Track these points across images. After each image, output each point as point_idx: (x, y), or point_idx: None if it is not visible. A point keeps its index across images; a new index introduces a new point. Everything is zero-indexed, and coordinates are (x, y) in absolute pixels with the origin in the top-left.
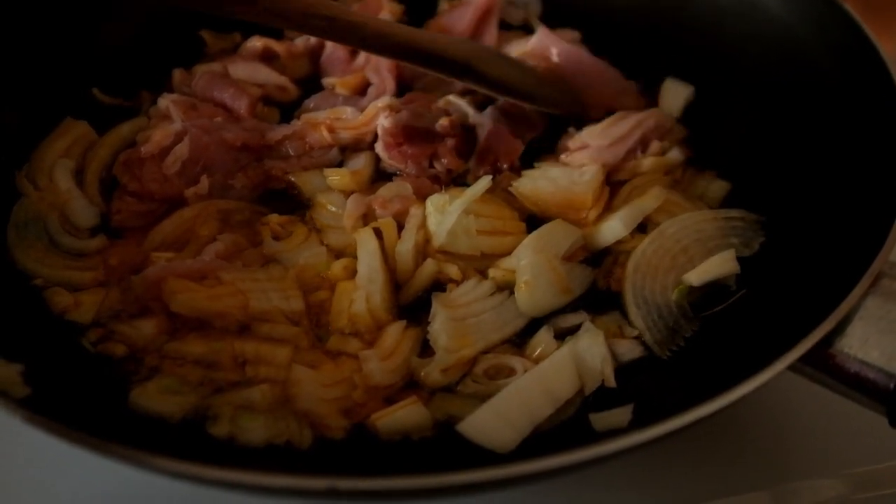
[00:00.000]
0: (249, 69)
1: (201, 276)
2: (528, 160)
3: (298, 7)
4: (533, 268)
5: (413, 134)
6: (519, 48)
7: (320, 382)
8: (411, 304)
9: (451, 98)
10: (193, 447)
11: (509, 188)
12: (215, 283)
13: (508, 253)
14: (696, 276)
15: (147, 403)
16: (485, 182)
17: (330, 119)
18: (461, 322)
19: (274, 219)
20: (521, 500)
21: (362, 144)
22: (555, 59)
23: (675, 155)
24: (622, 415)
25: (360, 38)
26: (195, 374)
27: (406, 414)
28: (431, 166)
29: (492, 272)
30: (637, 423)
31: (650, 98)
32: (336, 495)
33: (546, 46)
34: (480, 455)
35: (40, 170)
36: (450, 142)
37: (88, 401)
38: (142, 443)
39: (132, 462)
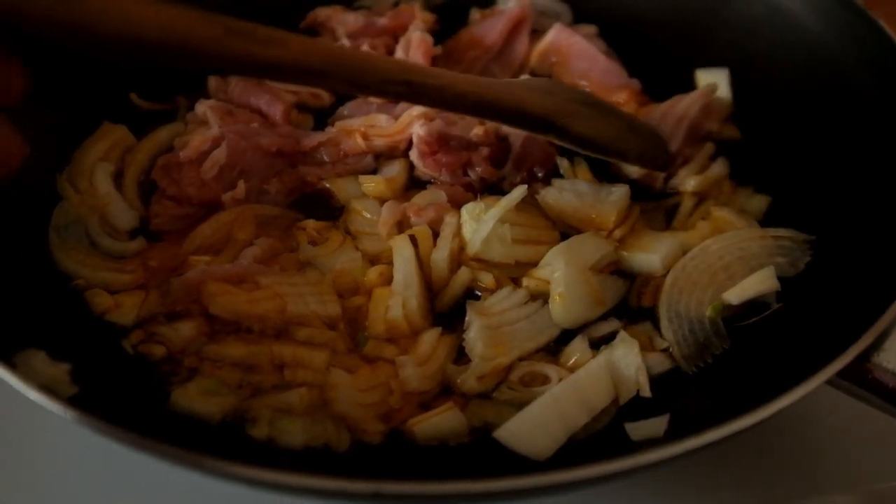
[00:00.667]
0: None
1: (239, 280)
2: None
3: (376, 76)
4: (567, 280)
5: (447, 142)
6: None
7: (357, 387)
8: (446, 311)
9: None
10: (233, 448)
11: (535, 196)
12: (253, 287)
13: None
14: (735, 294)
15: (188, 404)
16: (520, 191)
17: (364, 126)
18: (496, 330)
19: (310, 224)
20: None
21: (396, 152)
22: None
23: (718, 169)
24: (658, 425)
25: (440, 99)
26: (234, 376)
27: (443, 420)
28: (465, 174)
29: (525, 281)
30: (673, 434)
31: (652, 97)
32: (380, 499)
33: (560, 40)
34: (516, 462)
35: (80, 173)
36: (484, 150)
37: (132, 401)
38: (189, 443)
39: (181, 462)
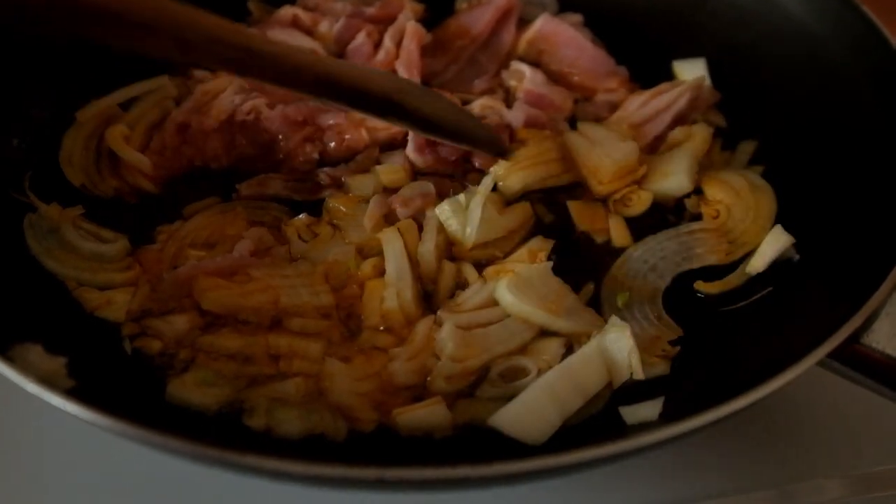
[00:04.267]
0: (287, 35)
1: (231, 273)
2: None
3: (208, 35)
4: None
5: None
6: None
7: (353, 376)
8: None
9: (484, 101)
10: (232, 438)
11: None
12: (245, 280)
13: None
14: (759, 260)
15: (184, 395)
16: (490, 180)
17: (360, 118)
18: (468, 332)
19: (299, 221)
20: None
21: (396, 143)
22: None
23: (700, 128)
24: (652, 408)
25: (276, 72)
26: (229, 367)
27: (428, 413)
28: (467, 162)
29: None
30: (667, 417)
31: (640, 84)
32: (383, 485)
33: (548, 29)
34: (503, 451)
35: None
36: None
37: (128, 394)
38: (194, 433)
39: (187, 453)
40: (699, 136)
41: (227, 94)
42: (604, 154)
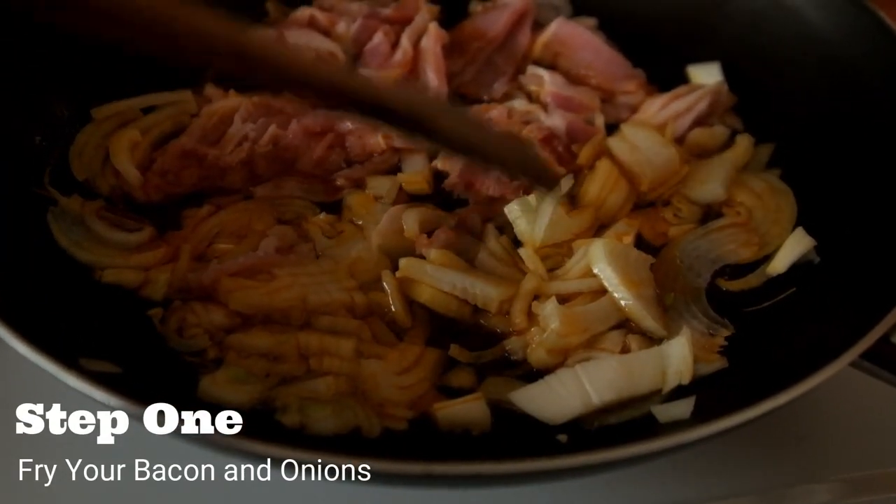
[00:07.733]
0: (304, 35)
1: (254, 272)
2: None
3: (232, 48)
4: None
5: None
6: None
7: (392, 371)
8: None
9: (524, 107)
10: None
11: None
12: (269, 278)
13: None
14: (779, 262)
15: (216, 392)
16: (569, 181)
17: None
18: (570, 309)
19: (322, 219)
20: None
21: (414, 149)
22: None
23: (721, 130)
24: (684, 407)
25: (277, 78)
26: (259, 365)
27: (467, 409)
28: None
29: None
30: (699, 417)
31: (658, 87)
32: (430, 480)
33: (564, 32)
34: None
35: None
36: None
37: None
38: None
39: (220, 445)
40: (741, 146)
41: (237, 124)
42: (644, 160)
